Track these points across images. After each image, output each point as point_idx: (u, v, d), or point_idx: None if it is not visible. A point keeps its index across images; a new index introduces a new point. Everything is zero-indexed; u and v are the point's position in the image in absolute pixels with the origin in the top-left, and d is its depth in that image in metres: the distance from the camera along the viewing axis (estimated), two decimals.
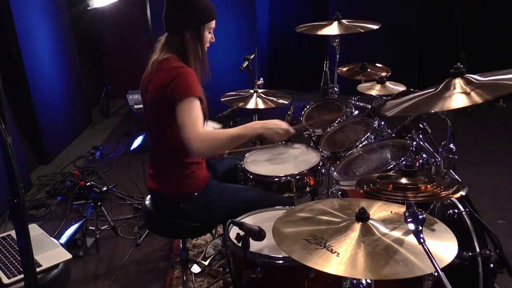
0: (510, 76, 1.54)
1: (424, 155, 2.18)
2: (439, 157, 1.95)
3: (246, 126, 2.18)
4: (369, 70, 3.02)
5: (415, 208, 1.43)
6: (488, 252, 1.95)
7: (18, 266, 2.10)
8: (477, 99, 1.48)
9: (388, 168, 2.10)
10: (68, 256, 2.21)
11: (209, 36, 2.24)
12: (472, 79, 1.58)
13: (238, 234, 1.72)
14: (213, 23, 2.23)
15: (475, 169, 3.95)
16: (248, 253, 1.72)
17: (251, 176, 2.43)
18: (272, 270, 1.78)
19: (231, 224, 1.74)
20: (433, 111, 1.57)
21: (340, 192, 2.45)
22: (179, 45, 2.15)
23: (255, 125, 2.22)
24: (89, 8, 3.84)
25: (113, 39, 5.72)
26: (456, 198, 2.02)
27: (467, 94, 1.51)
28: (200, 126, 2.04)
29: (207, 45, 2.26)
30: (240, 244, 1.72)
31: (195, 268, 2.70)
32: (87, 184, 3.27)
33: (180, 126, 2.02)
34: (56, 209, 3.67)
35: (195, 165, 2.23)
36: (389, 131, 2.56)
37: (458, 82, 1.59)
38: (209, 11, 2.20)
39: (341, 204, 1.71)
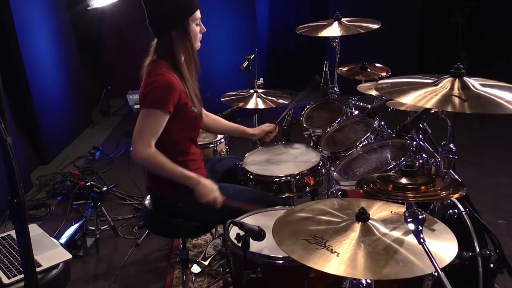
0: (508, 94, 1.53)
1: (424, 155, 2.18)
2: (439, 157, 1.95)
3: (186, 175, 2.12)
4: (369, 70, 3.02)
5: (415, 208, 1.43)
6: (488, 252, 1.95)
7: (18, 266, 2.10)
8: (468, 110, 1.48)
9: (388, 168, 2.11)
10: (68, 256, 2.21)
11: (197, 28, 2.21)
12: (470, 85, 1.58)
13: (238, 234, 1.72)
14: (198, 14, 2.19)
15: (475, 169, 3.95)
16: (248, 253, 1.72)
17: (251, 176, 2.43)
18: (272, 270, 1.78)
19: (231, 224, 1.74)
20: (406, 102, 1.60)
21: (340, 192, 2.45)
22: (169, 47, 2.15)
23: (193, 180, 2.13)
24: (89, 8, 3.84)
25: (113, 39, 5.71)
26: (456, 198, 2.02)
27: (462, 100, 1.51)
28: (152, 141, 2.07)
29: (199, 36, 2.24)
30: (240, 244, 1.72)
31: (195, 268, 2.71)
32: (87, 184, 3.27)
33: (136, 129, 2.06)
34: (56, 209, 3.67)
35: (193, 165, 2.24)
36: (389, 131, 2.56)
37: (456, 84, 1.59)
38: (189, 3, 2.16)
39: (341, 204, 1.71)
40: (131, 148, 2.09)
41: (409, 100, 1.58)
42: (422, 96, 1.57)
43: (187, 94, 2.17)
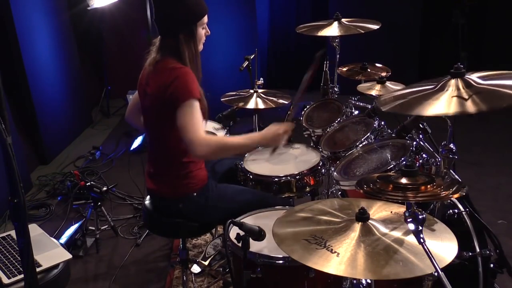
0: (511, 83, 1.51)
1: (424, 155, 2.18)
2: (439, 157, 1.95)
3: (248, 137, 2.21)
4: (369, 70, 3.02)
5: (415, 208, 1.43)
6: (488, 252, 1.95)
7: (18, 266, 2.10)
8: (472, 109, 1.45)
9: (388, 168, 2.10)
10: (68, 256, 2.21)
11: (203, 32, 2.22)
12: (472, 82, 1.57)
13: (238, 234, 1.72)
14: (205, 18, 2.19)
15: (475, 169, 3.95)
16: (248, 253, 1.72)
17: (251, 176, 2.43)
18: (272, 270, 1.78)
19: (231, 224, 1.74)
20: (426, 115, 1.55)
21: (340, 192, 2.45)
22: (174, 47, 2.14)
23: (256, 137, 2.23)
24: (89, 8, 3.84)
25: (113, 39, 5.71)
26: (456, 198, 2.02)
27: (464, 100, 1.50)
28: (202, 129, 2.05)
29: (203, 39, 2.24)
30: (240, 244, 1.72)
31: (195, 268, 2.70)
32: (87, 184, 3.27)
33: (182, 128, 2.02)
34: (56, 209, 3.67)
35: (193, 166, 2.23)
36: (389, 131, 2.56)
37: (458, 84, 1.58)
38: (199, 8, 2.16)
39: (341, 204, 1.71)
40: (192, 148, 2.00)
41: (428, 112, 1.50)
42: (439, 106, 1.50)
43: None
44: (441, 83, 1.60)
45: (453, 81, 1.59)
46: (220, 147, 2.09)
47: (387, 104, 1.66)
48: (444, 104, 1.51)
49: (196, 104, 2.05)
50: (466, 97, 1.50)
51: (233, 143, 2.17)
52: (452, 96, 1.53)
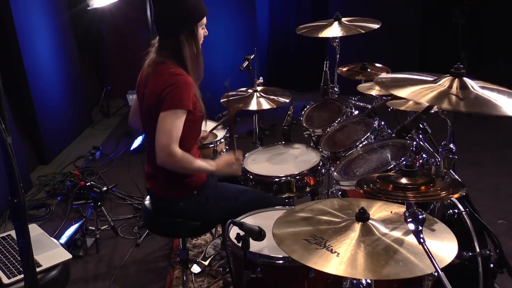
0: (507, 99, 1.53)
1: (424, 155, 2.18)
2: (439, 157, 1.95)
3: (208, 162, 2.18)
4: (369, 70, 3.02)
5: (415, 208, 1.43)
6: (488, 252, 1.95)
7: (18, 266, 2.10)
8: (463, 108, 1.48)
9: (388, 168, 2.11)
10: (68, 256, 2.21)
11: (202, 32, 2.22)
12: (469, 86, 1.58)
13: (238, 234, 1.72)
14: (205, 19, 2.20)
15: (475, 169, 3.95)
16: (248, 253, 1.72)
17: (251, 176, 2.44)
18: (272, 270, 1.78)
19: (231, 224, 1.74)
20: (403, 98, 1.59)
21: (340, 192, 2.45)
22: (174, 48, 2.13)
23: (211, 165, 2.17)
24: (89, 8, 3.84)
25: (113, 39, 5.71)
26: (456, 198, 2.02)
27: (458, 99, 1.51)
28: (177, 141, 2.04)
29: (201, 40, 2.24)
30: (240, 244, 1.72)
31: (195, 268, 2.71)
32: (87, 184, 3.27)
33: (159, 133, 2.02)
34: (56, 209, 3.67)
35: None
36: (389, 131, 2.56)
37: (455, 83, 1.59)
38: (199, 8, 2.16)
39: (341, 204, 1.71)
40: (159, 152, 2.01)
41: (405, 94, 1.58)
42: (419, 92, 1.56)
43: (196, 94, 2.17)
44: (440, 78, 1.63)
45: (449, 79, 1.61)
46: (182, 166, 2.08)
47: (383, 83, 1.70)
48: (428, 94, 1.54)
49: (182, 115, 2.05)
50: (454, 94, 1.52)
51: (199, 165, 2.14)
52: (440, 91, 1.55)
